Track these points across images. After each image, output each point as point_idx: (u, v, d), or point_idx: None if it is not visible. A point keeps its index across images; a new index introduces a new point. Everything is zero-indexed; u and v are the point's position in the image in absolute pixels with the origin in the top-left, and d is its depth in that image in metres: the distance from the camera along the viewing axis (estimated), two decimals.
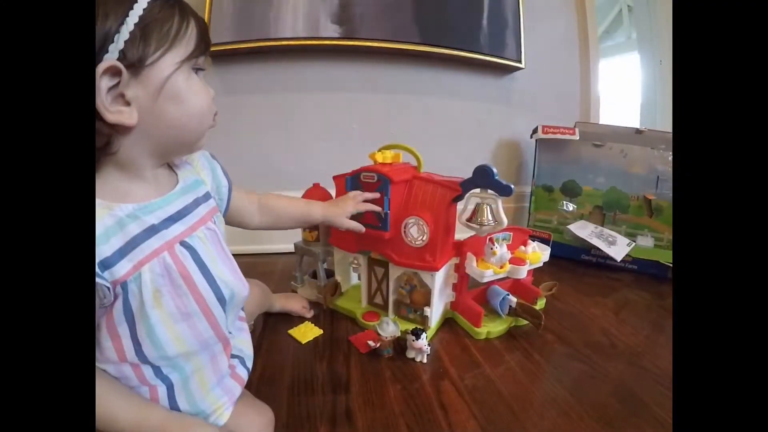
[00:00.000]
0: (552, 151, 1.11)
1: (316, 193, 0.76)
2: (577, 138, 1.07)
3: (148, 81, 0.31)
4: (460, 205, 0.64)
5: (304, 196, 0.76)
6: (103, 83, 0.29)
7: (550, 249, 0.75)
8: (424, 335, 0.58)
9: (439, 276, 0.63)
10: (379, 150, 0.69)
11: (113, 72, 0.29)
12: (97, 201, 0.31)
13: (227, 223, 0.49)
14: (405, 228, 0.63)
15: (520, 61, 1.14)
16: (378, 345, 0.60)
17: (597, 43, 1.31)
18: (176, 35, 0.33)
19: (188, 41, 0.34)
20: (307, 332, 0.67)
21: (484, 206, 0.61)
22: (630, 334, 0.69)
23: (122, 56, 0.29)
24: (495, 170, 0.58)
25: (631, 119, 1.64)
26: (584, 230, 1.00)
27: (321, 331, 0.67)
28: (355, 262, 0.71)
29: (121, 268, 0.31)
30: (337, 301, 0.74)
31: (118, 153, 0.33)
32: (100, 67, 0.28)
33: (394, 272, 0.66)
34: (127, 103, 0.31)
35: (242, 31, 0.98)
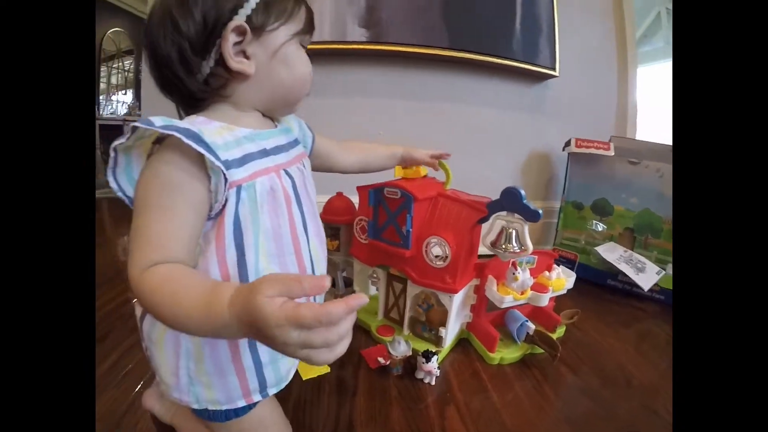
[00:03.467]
0: (584, 166, 1.07)
1: (339, 202, 0.75)
2: (612, 154, 1.02)
3: (266, 44, 0.38)
4: (484, 226, 0.63)
5: (326, 205, 0.76)
6: (231, 37, 0.36)
7: (575, 275, 0.73)
8: (434, 358, 0.57)
9: (458, 298, 0.62)
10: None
11: (240, 31, 0.36)
12: (219, 123, 0.37)
13: (319, 169, 0.56)
14: (426, 247, 0.62)
15: (554, 69, 1.09)
16: (388, 362, 0.60)
17: (635, 49, 1.24)
18: (291, 13, 0.39)
19: (299, 20, 0.40)
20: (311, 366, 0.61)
21: (510, 230, 0.59)
22: (647, 370, 0.66)
23: (248, 20, 0.36)
24: (523, 193, 0.56)
25: (670, 133, 1.55)
26: (612, 254, 0.96)
27: (328, 369, 0.62)
28: (374, 275, 0.71)
29: (238, 173, 0.35)
30: None
31: (233, 96, 0.39)
32: (231, 24, 0.35)
33: (413, 290, 0.66)
34: (248, 58, 0.37)
35: None
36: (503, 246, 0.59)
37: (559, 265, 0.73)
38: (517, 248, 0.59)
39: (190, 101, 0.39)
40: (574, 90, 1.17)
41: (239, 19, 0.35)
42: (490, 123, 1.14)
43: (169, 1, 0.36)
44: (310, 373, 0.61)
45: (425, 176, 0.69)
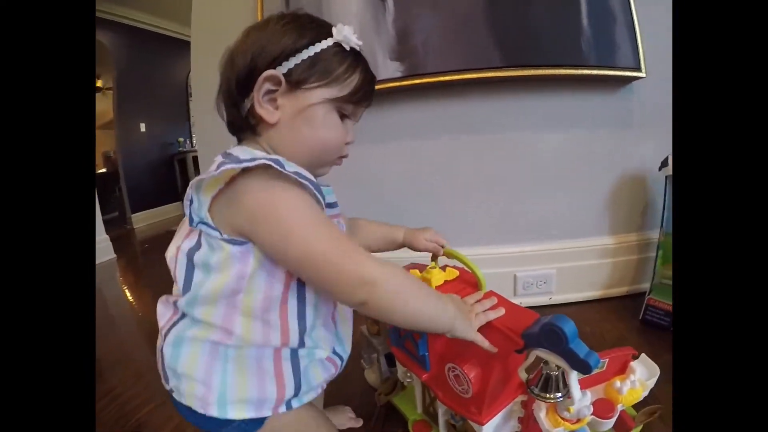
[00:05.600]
0: None
1: None
2: None
3: (296, 100, 0.40)
4: None
5: None
6: (266, 85, 0.39)
7: (658, 372, 0.57)
8: None
9: (488, 427, 0.55)
10: (431, 267, 0.60)
11: (275, 81, 0.39)
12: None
13: None
14: (448, 372, 0.55)
15: (639, 68, 0.82)
16: None
17: None
18: (336, 78, 0.40)
19: (345, 87, 0.41)
20: None
21: (552, 372, 0.47)
22: None
23: (288, 73, 0.39)
24: (571, 331, 0.42)
25: None
26: None
27: None
28: (408, 375, 0.68)
29: None
30: (396, 397, 0.74)
31: (263, 137, 0.42)
32: (267, 72, 0.38)
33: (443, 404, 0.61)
34: (276, 107, 0.40)
35: None
36: (539, 391, 0.48)
37: (637, 359, 0.58)
38: (559, 397, 0.47)
39: (232, 128, 0.44)
40: (668, 91, 0.82)
41: (279, 70, 0.38)
42: (565, 147, 0.91)
43: (238, 38, 0.41)
44: None
45: (456, 278, 0.61)
